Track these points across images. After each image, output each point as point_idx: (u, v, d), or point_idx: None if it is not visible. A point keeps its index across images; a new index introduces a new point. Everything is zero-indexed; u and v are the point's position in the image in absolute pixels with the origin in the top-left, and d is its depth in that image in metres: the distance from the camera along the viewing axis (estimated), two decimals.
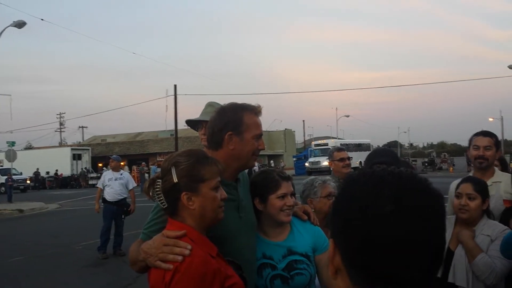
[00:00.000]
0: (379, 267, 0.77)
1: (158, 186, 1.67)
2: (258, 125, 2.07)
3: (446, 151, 61.40)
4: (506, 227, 2.68)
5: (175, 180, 1.64)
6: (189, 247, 1.58)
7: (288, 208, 2.21)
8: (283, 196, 2.20)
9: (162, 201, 1.66)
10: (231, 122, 2.00)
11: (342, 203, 0.84)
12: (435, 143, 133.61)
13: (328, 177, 3.13)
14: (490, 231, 2.64)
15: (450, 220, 2.81)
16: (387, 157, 2.60)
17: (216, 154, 1.97)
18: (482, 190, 2.71)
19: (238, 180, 2.11)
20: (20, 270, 8.45)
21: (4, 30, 21.09)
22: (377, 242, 0.77)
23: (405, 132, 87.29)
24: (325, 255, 2.16)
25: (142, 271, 1.75)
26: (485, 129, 3.61)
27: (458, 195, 2.72)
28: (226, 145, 2.00)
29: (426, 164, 42.88)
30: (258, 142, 2.06)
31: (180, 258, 1.57)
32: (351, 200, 0.82)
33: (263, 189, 2.21)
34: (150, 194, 1.71)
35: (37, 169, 39.50)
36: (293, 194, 2.27)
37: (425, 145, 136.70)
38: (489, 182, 3.10)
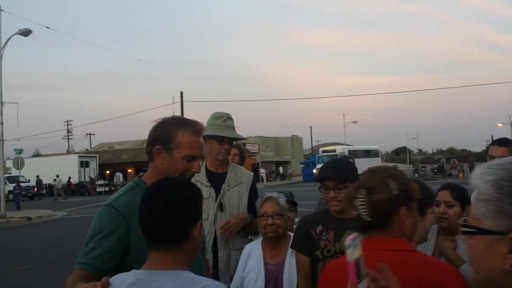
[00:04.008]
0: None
1: (363, 197, 1.56)
2: (194, 146, 1.93)
3: (455, 157, 60.70)
4: None
5: (395, 192, 1.54)
6: None
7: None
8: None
9: (368, 213, 1.55)
10: (162, 136, 1.93)
11: None
12: (444, 149, 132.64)
13: (273, 194, 2.86)
14: None
15: (433, 230, 2.70)
16: (331, 172, 2.47)
17: (150, 167, 1.99)
18: (461, 197, 2.64)
19: None
20: (26, 279, 8.34)
21: (10, 38, 21.20)
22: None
23: (414, 138, 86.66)
24: None
25: None
26: (494, 134, 3.49)
27: (437, 203, 2.62)
28: (155, 159, 1.95)
29: (436, 170, 42.37)
30: (192, 164, 1.93)
31: None
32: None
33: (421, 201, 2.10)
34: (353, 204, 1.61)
35: (37, 176, 37.18)
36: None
37: (434, 151, 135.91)
38: None
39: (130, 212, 1.76)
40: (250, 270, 2.67)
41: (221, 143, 3.09)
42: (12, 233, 15.97)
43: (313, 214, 2.83)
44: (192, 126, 1.96)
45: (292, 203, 3.29)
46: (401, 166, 50.53)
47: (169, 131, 1.92)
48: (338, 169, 2.46)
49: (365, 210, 1.54)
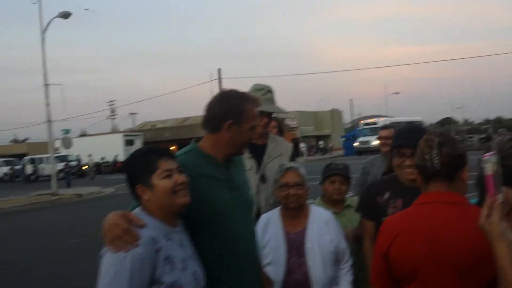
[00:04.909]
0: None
1: (438, 148, 1.81)
2: (256, 117, 2.17)
3: (503, 127, 58.24)
4: None
5: (461, 152, 1.81)
6: (138, 242, 1.69)
7: None
8: None
9: (438, 162, 1.78)
10: (233, 111, 2.06)
11: None
12: (491, 118, 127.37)
13: (293, 164, 2.89)
14: None
15: None
16: (410, 140, 2.37)
17: (210, 137, 2.10)
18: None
19: (230, 161, 2.18)
20: (80, 252, 8.82)
21: (51, 21, 21.79)
22: None
23: (459, 108, 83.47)
24: None
25: None
26: None
27: None
28: (224, 131, 2.06)
29: (483, 140, 40.83)
30: (253, 133, 2.15)
31: (128, 247, 1.69)
32: None
33: None
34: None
35: (78, 155, 37.30)
36: None
37: (481, 121, 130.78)
38: None
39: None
40: (269, 239, 2.68)
41: (260, 116, 3.13)
42: (65, 209, 16.82)
43: (380, 180, 2.81)
44: (253, 97, 2.19)
45: (345, 177, 3.22)
46: None
47: (238, 105, 2.07)
48: (415, 137, 2.38)
49: (437, 159, 1.75)
